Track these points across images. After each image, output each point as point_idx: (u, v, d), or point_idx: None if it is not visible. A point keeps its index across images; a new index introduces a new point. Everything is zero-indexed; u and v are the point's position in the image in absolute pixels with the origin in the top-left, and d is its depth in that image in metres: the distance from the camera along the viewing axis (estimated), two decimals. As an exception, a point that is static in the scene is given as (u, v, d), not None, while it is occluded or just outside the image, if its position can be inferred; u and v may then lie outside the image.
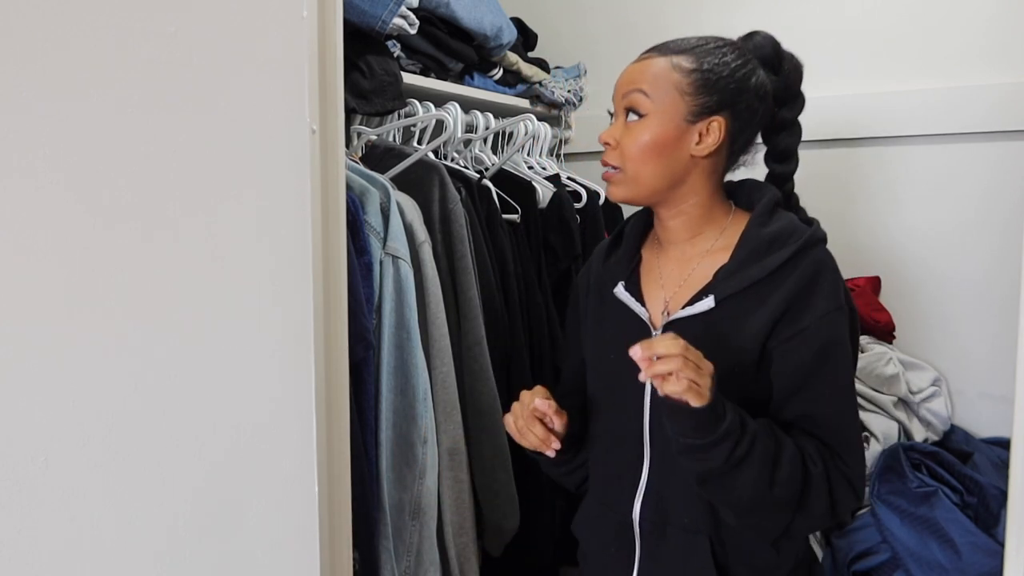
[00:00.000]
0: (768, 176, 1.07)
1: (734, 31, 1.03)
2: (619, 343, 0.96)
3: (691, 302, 0.97)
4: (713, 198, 1.01)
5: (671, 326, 0.97)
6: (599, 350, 1.07)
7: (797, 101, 1.04)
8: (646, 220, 1.10)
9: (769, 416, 0.94)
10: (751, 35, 1.02)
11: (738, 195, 1.06)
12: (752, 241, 0.96)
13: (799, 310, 0.92)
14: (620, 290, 1.03)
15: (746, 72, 0.98)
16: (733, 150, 1.01)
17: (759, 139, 1.06)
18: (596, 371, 1.08)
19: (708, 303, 0.95)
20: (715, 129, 0.97)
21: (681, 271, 1.02)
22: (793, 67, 1.02)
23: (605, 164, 1.00)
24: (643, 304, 1.02)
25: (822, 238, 0.97)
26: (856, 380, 1.58)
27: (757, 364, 0.94)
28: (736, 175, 1.06)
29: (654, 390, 0.95)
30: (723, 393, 0.88)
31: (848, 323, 0.94)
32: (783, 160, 1.06)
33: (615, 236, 1.12)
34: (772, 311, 0.92)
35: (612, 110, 1.02)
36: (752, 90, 0.98)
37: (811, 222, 1.01)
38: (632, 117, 0.97)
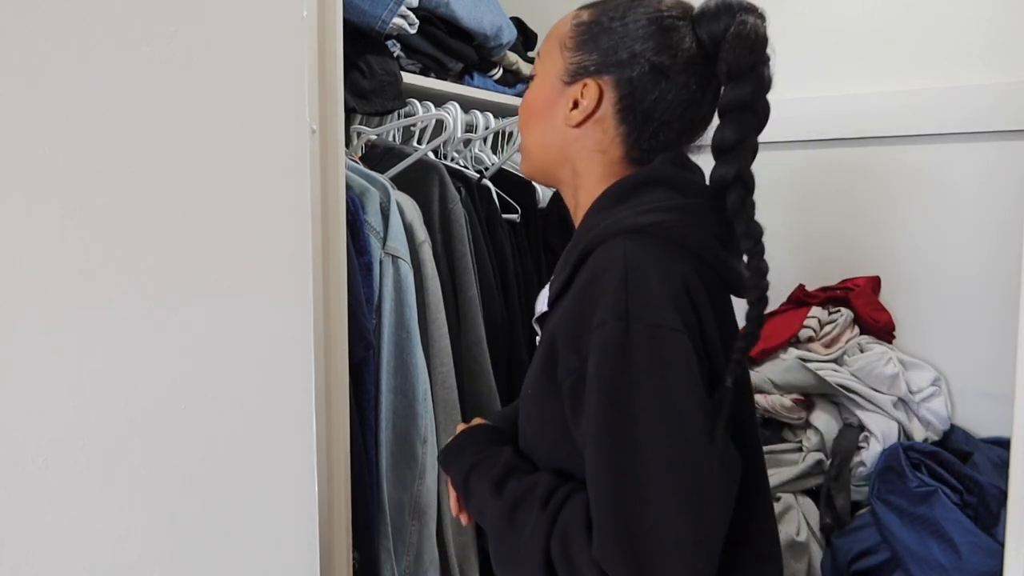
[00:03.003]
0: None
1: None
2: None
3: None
4: (605, 185, 0.81)
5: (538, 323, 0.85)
6: None
7: (741, 83, 0.75)
8: None
9: None
10: None
11: None
12: (575, 235, 0.80)
13: (575, 328, 0.71)
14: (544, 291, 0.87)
15: (647, 30, 0.78)
16: (630, 127, 0.80)
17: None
18: None
19: (542, 306, 0.81)
20: (589, 94, 0.80)
21: None
22: (737, 35, 0.75)
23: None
24: None
25: (627, 228, 0.73)
26: (855, 380, 1.60)
27: (559, 395, 0.74)
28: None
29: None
30: (539, 432, 0.79)
31: (630, 342, 0.66)
32: (716, 156, 0.78)
33: None
34: (555, 328, 0.74)
35: None
36: (652, 50, 0.77)
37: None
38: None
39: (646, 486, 0.65)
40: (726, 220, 0.77)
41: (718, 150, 0.78)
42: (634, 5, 0.80)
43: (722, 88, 0.78)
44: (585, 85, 0.80)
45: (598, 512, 0.67)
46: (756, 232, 0.76)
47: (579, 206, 0.84)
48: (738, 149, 0.77)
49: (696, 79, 0.79)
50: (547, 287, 0.84)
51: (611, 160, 0.82)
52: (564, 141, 0.83)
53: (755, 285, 0.75)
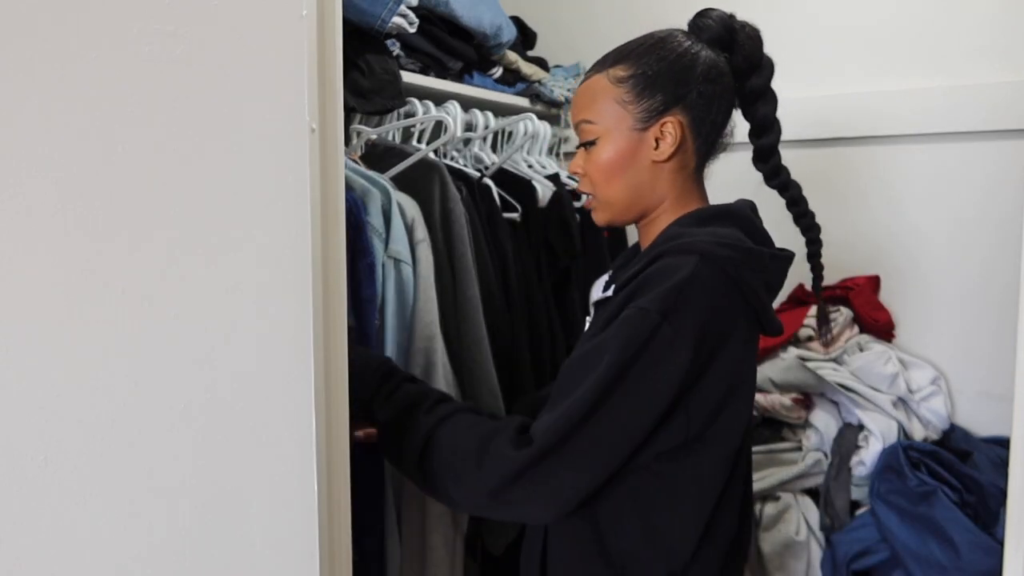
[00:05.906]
0: (753, 152, 1.03)
1: (734, 30, 1.03)
2: None
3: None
4: (683, 196, 0.99)
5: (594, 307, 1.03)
6: None
7: (763, 69, 0.98)
8: None
9: None
10: (699, 16, 0.98)
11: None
12: (658, 238, 0.95)
13: (625, 303, 0.87)
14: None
15: (688, 60, 0.94)
16: (702, 140, 0.97)
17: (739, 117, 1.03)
18: None
19: (608, 292, 0.96)
20: (670, 130, 0.94)
21: None
22: (748, 36, 0.97)
23: (582, 192, 1.02)
24: None
25: (702, 251, 0.86)
26: (855, 379, 1.60)
27: None
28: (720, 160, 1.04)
29: None
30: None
31: (649, 330, 0.83)
32: (761, 132, 1.01)
33: None
34: (617, 307, 0.88)
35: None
36: (700, 75, 0.94)
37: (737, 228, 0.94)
38: (588, 146, 0.98)
39: (596, 427, 0.84)
40: (777, 269, 0.97)
41: (762, 125, 1.01)
42: (656, 50, 0.95)
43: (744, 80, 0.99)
44: (664, 124, 0.94)
45: (559, 414, 0.84)
46: (797, 184, 1.04)
47: (660, 220, 0.99)
48: (776, 120, 1.01)
49: (732, 78, 0.97)
50: (602, 277, 1.05)
51: (688, 173, 0.99)
52: (653, 175, 0.97)
53: (809, 226, 1.07)
